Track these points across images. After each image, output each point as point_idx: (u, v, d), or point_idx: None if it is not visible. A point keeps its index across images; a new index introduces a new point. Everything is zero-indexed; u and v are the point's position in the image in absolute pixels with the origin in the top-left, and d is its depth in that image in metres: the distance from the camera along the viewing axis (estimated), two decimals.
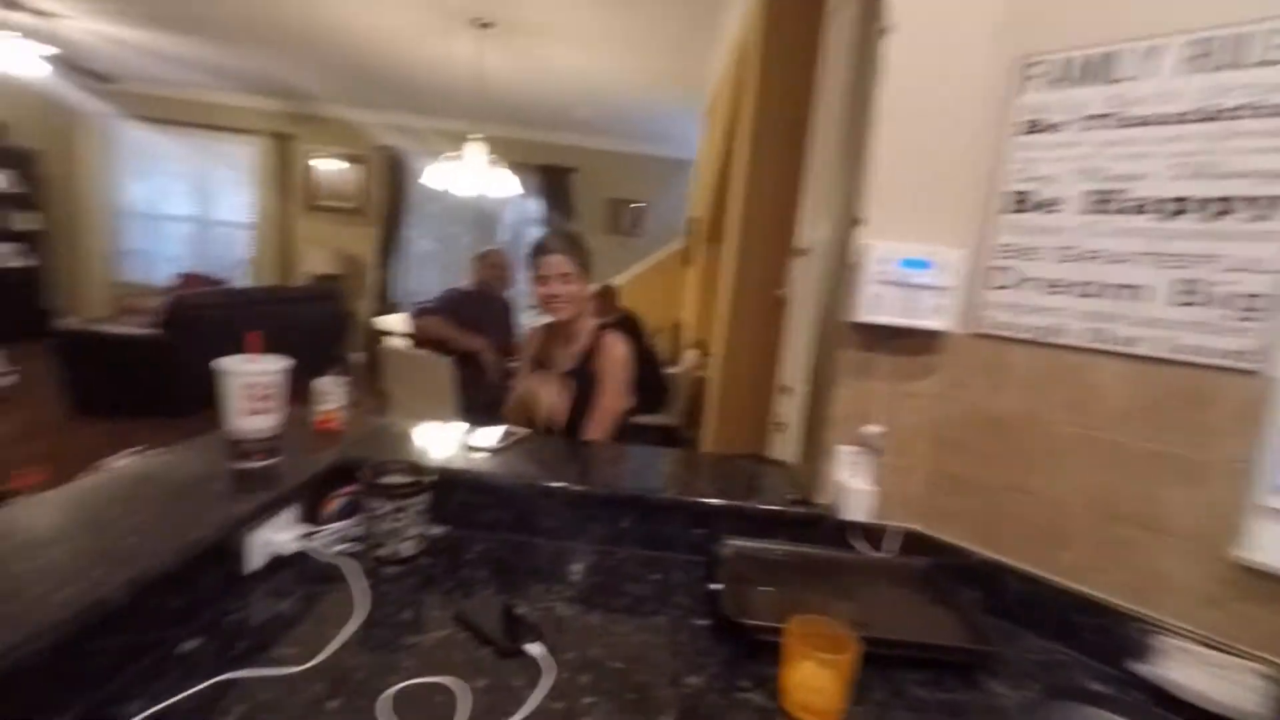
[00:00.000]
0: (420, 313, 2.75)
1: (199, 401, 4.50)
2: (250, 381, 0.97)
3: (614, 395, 1.61)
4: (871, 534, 1.08)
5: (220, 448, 1.01)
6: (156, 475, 0.95)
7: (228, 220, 6.69)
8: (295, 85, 5.61)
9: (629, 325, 3.24)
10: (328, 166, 6.49)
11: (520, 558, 1.05)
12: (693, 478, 1.31)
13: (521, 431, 1.36)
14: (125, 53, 5.05)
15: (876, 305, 0.98)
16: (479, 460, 1.20)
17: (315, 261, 6.34)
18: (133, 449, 2.70)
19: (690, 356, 3.74)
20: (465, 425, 1.40)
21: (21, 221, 5.96)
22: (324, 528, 1.01)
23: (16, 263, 5.87)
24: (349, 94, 5.74)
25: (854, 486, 1.06)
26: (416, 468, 1.03)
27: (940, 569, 1.03)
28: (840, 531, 1.09)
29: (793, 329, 2.27)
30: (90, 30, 4.60)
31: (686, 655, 0.82)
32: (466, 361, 2.67)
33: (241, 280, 6.60)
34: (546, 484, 1.12)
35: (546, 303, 1.58)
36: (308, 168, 6.48)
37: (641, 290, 5.60)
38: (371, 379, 6.31)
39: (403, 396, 2.68)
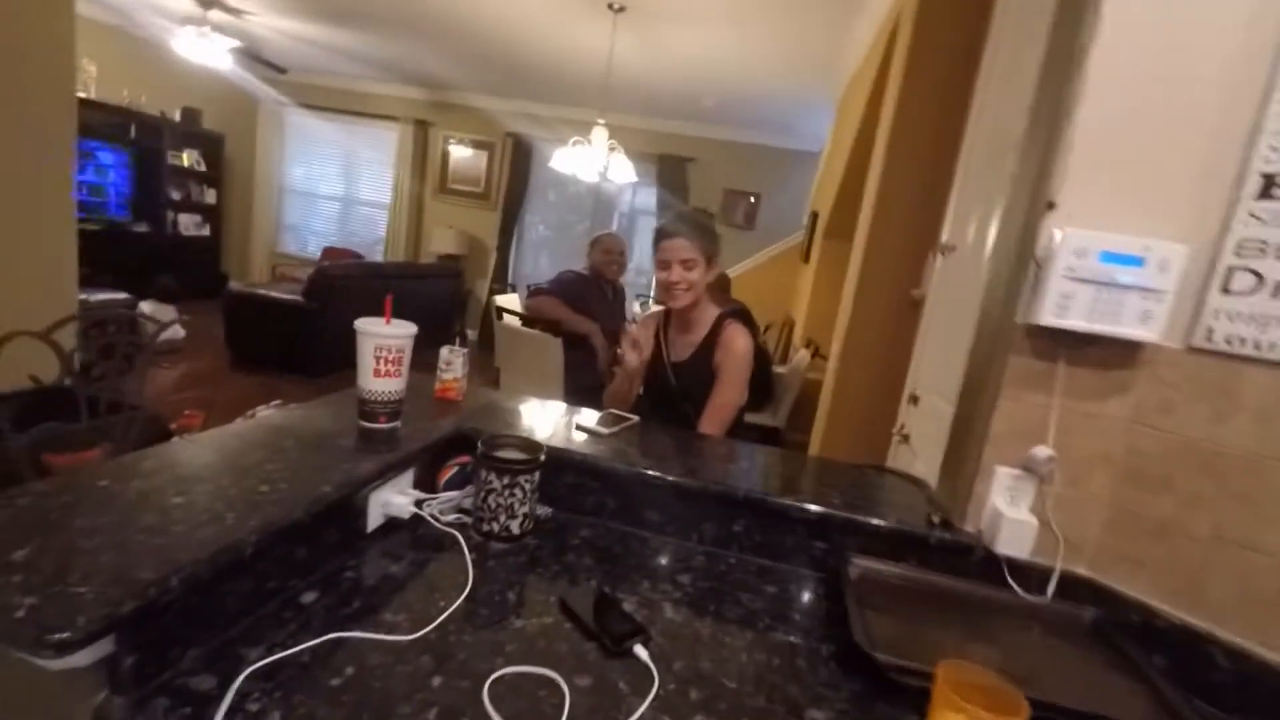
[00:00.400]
0: (534, 293, 2.81)
1: (333, 363, 4.91)
2: (381, 343, 0.99)
3: (733, 389, 1.52)
4: (1027, 572, 0.93)
5: (349, 406, 1.04)
6: (293, 427, 0.99)
7: (368, 200, 7.27)
8: (436, 74, 5.96)
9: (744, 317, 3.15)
10: (459, 152, 6.86)
11: (626, 549, 1.00)
12: (814, 484, 1.20)
13: (631, 418, 1.31)
14: (298, 46, 5.59)
15: (1064, 307, 0.83)
16: (588, 443, 1.17)
17: (441, 241, 6.73)
18: (275, 402, 2.98)
19: (801, 356, 3.56)
20: (574, 407, 1.38)
21: (204, 195, 6.81)
22: (438, 496, 1.01)
23: (198, 231, 6.72)
24: (483, 83, 6.01)
25: (1012, 515, 0.91)
26: (530, 444, 1.00)
27: (1116, 626, 0.87)
28: (990, 565, 0.94)
29: (928, 332, 2.07)
30: (271, 26, 5.12)
31: (807, 684, 0.73)
32: (576, 344, 2.69)
33: (376, 256, 7.15)
34: (657, 474, 1.06)
35: (666, 289, 1.52)
36: (442, 153, 6.88)
37: (753, 284, 5.43)
38: (484, 355, 6.62)
39: (513, 374, 2.75)
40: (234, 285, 5.00)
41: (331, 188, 7.37)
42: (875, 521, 0.99)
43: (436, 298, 6.15)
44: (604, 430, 1.21)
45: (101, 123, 5.49)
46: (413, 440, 1.02)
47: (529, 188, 6.74)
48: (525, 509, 0.97)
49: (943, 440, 1.25)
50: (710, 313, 1.60)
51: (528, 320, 2.89)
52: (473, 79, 5.93)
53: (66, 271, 2.66)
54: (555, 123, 6.42)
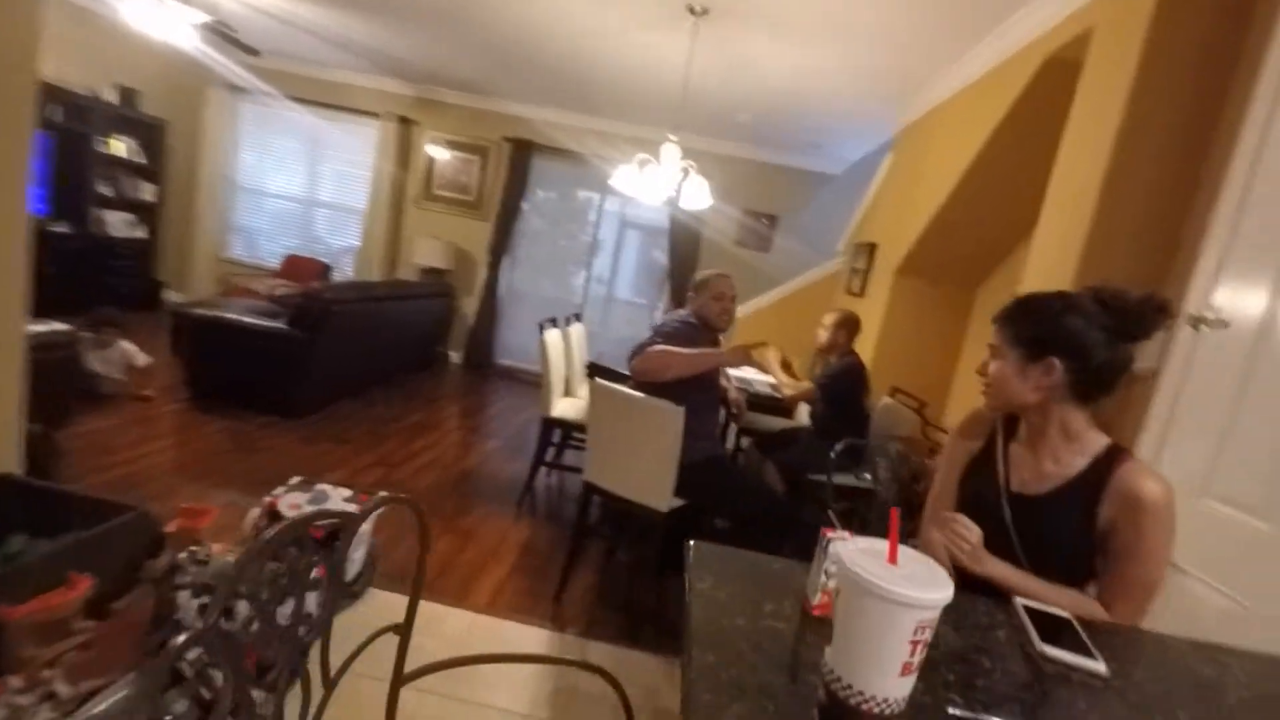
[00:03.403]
0: (639, 350, 2.27)
1: (319, 402, 4.15)
2: (926, 618, 0.52)
3: (1160, 565, 1.05)
4: None
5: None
6: None
7: (336, 203, 6.44)
8: (428, 68, 5.29)
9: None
10: (447, 156, 6.18)
11: None
12: None
13: (1064, 616, 0.87)
14: (272, 25, 4.80)
15: None
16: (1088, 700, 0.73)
17: (426, 253, 6.02)
18: (293, 479, 2.33)
19: (891, 406, 3.21)
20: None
21: (139, 191, 5.82)
22: None
23: (131, 232, 5.72)
24: (483, 81, 5.40)
25: None
26: None
27: None
28: None
29: (1175, 419, 1.78)
30: (246, 1, 4.35)
31: None
32: (698, 403, 2.18)
33: (345, 266, 6.35)
34: None
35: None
36: (427, 157, 6.18)
37: (781, 314, 5.12)
38: (470, 377, 5.99)
39: (613, 451, 2.22)
40: (182, 303, 4.16)
41: (292, 187, 6.48)
42: None
43: (426, 320, 5.49)
44: (1094, 665, 0.78)
45: None
46: None
47: (526, 199, 6.15)
48: None
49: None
50: (1090, 440, 1.13)
51: (615, 380, 2.38)
52: (471, 76, 5.30)
53: (15, 298, 1.95)
54: (575, 131, 5.90)
